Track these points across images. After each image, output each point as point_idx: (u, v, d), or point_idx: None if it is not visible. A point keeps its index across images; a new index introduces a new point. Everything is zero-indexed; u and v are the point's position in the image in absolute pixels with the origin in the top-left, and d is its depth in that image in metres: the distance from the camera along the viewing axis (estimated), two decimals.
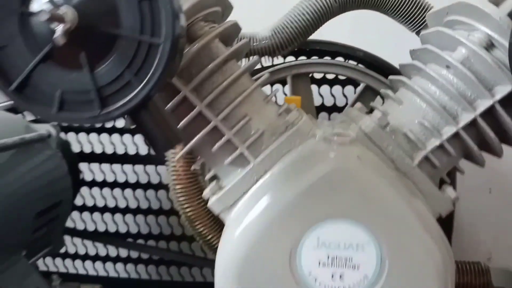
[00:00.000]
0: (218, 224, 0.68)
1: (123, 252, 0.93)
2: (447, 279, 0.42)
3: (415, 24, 0.61)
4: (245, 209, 0.45)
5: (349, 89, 0.80)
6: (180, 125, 0.45)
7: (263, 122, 0.46)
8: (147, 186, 0.89)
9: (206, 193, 0.48)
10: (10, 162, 0.63)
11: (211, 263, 0.48)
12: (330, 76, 0.80)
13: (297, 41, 0.64)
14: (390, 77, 0.53)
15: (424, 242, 0.42)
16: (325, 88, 0.82)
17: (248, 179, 0.46)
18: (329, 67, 0.70)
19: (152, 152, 0.35)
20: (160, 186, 0.89)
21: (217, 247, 0.67)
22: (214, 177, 0.50)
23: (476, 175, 0.91)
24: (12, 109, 0.76)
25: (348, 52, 0.70)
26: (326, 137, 0.44)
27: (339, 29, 0.74)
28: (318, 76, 0.81)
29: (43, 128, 0.71)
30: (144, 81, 0.32)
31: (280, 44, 0.64)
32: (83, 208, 0.91)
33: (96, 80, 0.32)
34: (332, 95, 0.81)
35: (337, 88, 0.82)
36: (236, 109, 0.45)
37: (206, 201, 0.68)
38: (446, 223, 0.74)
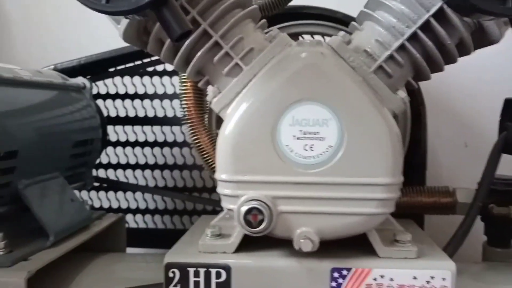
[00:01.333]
0: None
1: (142, 204, 1.06)
2: (395, 145, 0.54)
3: None
4: (238, 104, 0.58)
5: None
6: (188, 42, 0.59)
7: (253, 42, 0.60)
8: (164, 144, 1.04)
9: (209, 96, 0.62)
10: (56, 100, 0.78)
11: None
12: None
13: (282, 4, 0.78)
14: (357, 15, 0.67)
15: (375, 117, 0.54)
16: None
17: (240, 82, 0.59)
18: (316, 27, 0.84)
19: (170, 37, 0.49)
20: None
21: None
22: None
23: (452, 131, 1.03)
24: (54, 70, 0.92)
25: (329, 14, 0.84)
26: (300, 43, 0.58)
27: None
28: None
29: (79, 81, 0.87)
30: None
31: (266, 5, 0.78)
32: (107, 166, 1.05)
33: None
34: None
35: None
36: (232, 30, 0.59)
37: (212, 135, 0.82)
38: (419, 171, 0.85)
